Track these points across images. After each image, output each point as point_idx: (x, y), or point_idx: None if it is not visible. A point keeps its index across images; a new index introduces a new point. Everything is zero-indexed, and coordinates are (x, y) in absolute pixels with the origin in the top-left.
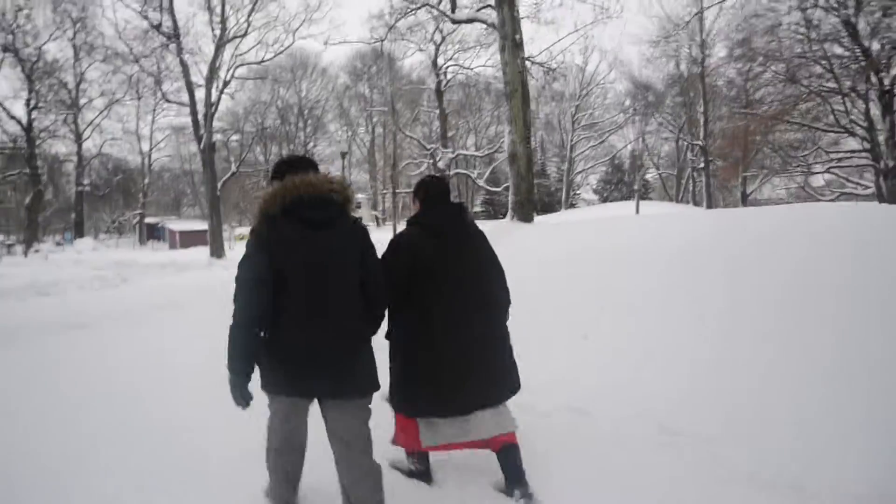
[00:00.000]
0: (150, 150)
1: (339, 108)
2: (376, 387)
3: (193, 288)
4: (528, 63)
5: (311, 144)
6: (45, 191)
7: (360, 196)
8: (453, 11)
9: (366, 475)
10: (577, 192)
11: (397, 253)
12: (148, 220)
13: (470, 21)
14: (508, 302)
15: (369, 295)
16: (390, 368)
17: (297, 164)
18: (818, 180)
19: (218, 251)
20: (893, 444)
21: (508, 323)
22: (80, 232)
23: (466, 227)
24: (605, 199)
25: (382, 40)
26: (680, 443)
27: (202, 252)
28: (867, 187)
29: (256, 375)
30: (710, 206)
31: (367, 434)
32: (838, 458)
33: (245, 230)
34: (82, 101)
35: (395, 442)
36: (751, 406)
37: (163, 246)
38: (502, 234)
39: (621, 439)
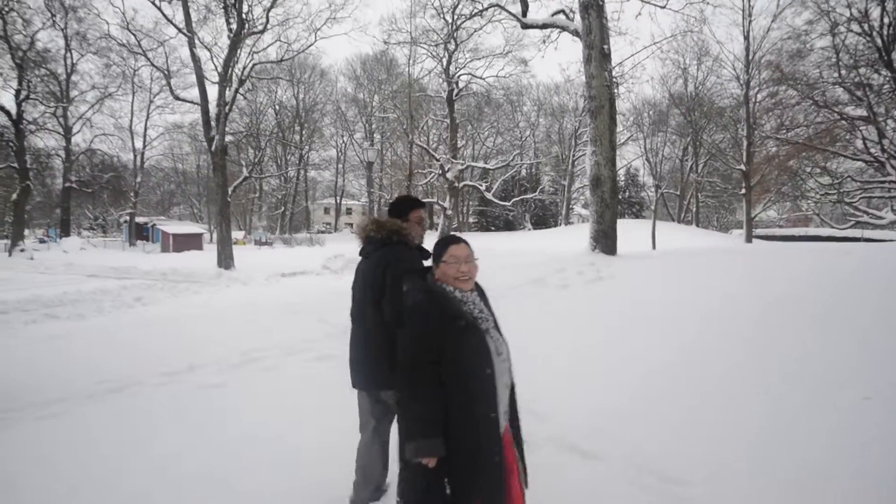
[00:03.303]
0: (144, 147)
1: (336, 112)
2: None
3: (237, 315)
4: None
5: (307, 148)
6: (34, 186)
7: (353, 203)
8: (524, 15)
9: None
10: (572, 207)
11: None
12: (137, 219)
13: (544, 27)
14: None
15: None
16: None
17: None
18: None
19: (227, 261)
20: None
21: None
22: (65, 230)
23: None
24: None
25: (446, 42)
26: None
27: (202, 258)
28: (882, 217)
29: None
30: (749, 236)
31: None
32: None
33: (240, 235)
34: (73, 93)
35: None
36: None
37: (154, 248)
38: (595, 271)
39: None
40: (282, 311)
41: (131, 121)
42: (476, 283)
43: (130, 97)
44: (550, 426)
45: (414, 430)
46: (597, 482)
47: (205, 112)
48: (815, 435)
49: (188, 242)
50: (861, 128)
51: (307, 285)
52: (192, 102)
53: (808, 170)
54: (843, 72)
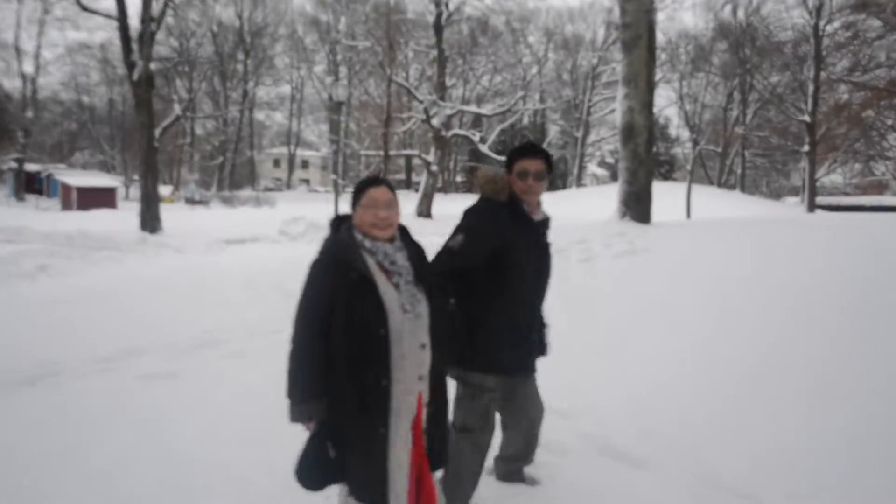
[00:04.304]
0: (36, 73)
1: (291, 38)
2: None
3: (181, 289)
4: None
5: (253, 82)
6: None
7: (311, 154)
8: None
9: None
10: (585, 165)
11: None
12: (27, 167)
13: None
14: None
15: None
16: None
17: None
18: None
19: (152, 223)
20: None
21: None
22: None
23: None
24: (615, 176)
25: None
26: None
27: (118, 219)
28: None
29: None
30: (812, 203)
31: None
32: None
33: (166, 191)
34: None
35: None
36: None
37: (51, 204)
38: (626, 242)
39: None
40: (237, 285)
41: (16, 36)
42: (412, 240)
43: (14, 4)
44: (579, 423)
45: (291, 393)
46: (648, 493)
47: (123, 29)
48: None
49: (98, 199)
50: None
51: (261, 255)
52: (105, 16)
53: (889, 122)
54: None
